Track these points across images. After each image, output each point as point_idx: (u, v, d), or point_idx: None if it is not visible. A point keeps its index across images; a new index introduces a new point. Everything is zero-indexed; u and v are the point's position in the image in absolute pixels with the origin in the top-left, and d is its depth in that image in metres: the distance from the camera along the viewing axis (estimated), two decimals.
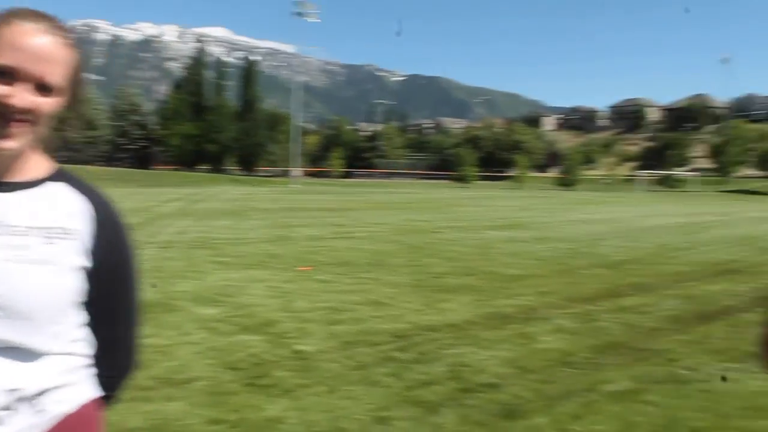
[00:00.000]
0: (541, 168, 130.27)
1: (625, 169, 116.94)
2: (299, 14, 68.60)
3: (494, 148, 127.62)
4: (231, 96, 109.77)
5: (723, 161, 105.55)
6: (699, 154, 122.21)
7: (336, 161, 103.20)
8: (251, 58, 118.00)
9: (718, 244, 15.58)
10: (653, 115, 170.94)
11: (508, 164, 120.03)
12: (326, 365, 5.38)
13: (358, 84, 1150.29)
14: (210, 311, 7.32)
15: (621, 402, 4.67)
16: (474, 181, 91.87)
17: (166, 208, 25.46)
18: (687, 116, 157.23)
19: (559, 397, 4.76)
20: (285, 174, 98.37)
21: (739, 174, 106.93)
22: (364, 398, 4.64)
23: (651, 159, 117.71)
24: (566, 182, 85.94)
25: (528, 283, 9.71)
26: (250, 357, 5.57)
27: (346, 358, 5.59)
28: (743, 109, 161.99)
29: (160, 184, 56.08)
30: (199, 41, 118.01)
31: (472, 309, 7.76)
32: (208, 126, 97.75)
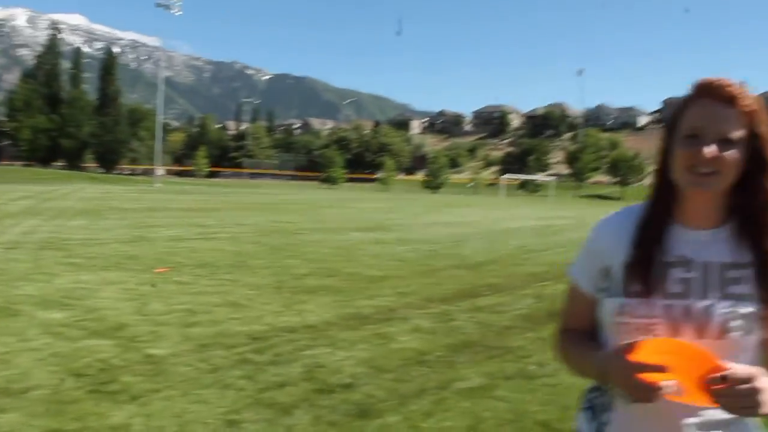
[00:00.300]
0: (409, 171, 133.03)
1: (488, 173, 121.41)
2: (163, 6, 66.22)
3: (362, 150, 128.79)
4: (89, 89, 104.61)
5: (578, 167, 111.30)
6: (557, 160, 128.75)
7: (201, 160, 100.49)
8: (112, 49, 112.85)
9: (570, 246, 16.47)
10: (515, 121, 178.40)
11: (375, 166, 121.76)
12: (179, 369, 5.24)
13: (226, 81, 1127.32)
14: (56, 315, 6.94)
15: (471, 398, 4.83)
16: (342, 183, 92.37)
17: (13, 207, 23.89)
18: (546, 123, 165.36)
19: (412, 395, 4.86)
20: (147, 173, 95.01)
21: (592, 180, 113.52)
22: (215, 402, 4.55)
23: (513, 163, 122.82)
24: (432, 185, 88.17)
25: (389, 284, 9.86)
26: (97, 362, 5.33)
27: (200, 361, 5.46)
28: (596, 118, 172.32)
29: (7, 180, 52.52)
30: (53, 28, 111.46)
31: (331, 310, 7.79)
32: (63, 120, 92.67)
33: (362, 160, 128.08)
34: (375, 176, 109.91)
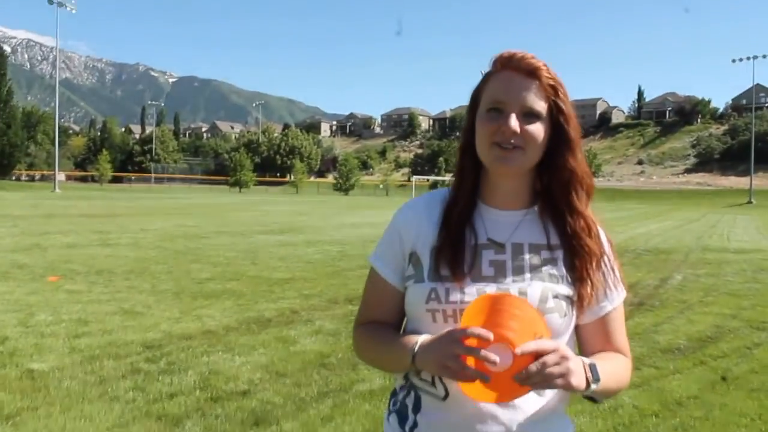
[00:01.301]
0: (319, 173, 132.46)
1: (399, 175, 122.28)
2: (56, 3, 63.43)
3: (272, 153, 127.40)
4: None
5: None
6: None
7: (104, 165, 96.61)
8: (2, 47, 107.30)
9: None
10: (424, 124, 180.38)
11: (286, 169, 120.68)
12: (62, 383, 4.91)
13: (129, 83, 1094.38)
14: None
15: (372, 400, 4.72)
16: (251, 186, 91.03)
17: None
18: (454, 126, 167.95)
19: (311, 400, 4.72)
20: (47, 178, 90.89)
21: None
22: (100, 416, 4.27)
23: (423, 165, 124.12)
24: (343, 187, 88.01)
25: (294, 286, 9.67)
26: None
27: (87, 374, 5.14)
28: None
29: None
30: None
31: (232, 314, 7.54)
32: None
33: (272, 163, 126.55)
34: (285, 179, 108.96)
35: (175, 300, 8.39)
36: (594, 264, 1.40)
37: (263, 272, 10.99)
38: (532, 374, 1.18)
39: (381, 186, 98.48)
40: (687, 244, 18.58)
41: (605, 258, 1.45)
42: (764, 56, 74.88)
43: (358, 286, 9.83)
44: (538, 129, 1.35)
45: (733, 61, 77.45)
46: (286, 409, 4.50)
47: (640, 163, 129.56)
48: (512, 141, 1.33)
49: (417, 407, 1.42)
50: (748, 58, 75.02)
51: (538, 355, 1.19)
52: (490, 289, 1.36)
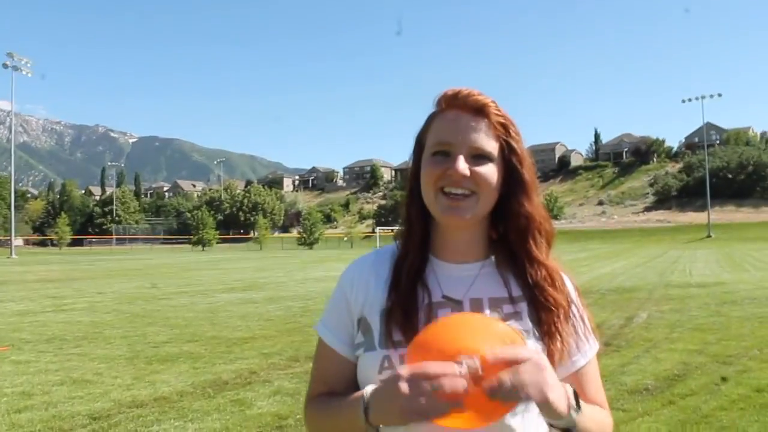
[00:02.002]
0: (283, 228, 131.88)
1: (363, 226, 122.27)
2: (11, 67, 63.03)
3: (235, 210, 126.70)
4: None
5: None
6: None
7: (63, 228, 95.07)
8: None
9: None
10: (386, 175, 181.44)
11: (249, 226, 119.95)
12: None
13: (89, 145, 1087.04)
14: None
15: None
16: (214, 244, 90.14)
17: None
18: None
19: None
20: (3, 243, 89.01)
21: None
22: None
23: (386, 215, 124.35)
24: (307, 241, 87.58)
25: (253, 345, 9.38)
26: None
27: None
28: None
29: None
30: None
31: (187, 378, 7.23)
32: None
33: (235, 220, 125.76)
34: (249, 236, 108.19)
35: (128, 366, 8.04)
36: (562, 316, 1.27)
37: (222, 332, 10.67)
38: (503, 383, 1.02)
39: (345, 238, 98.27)
40: (650, 281, 18.66)
41: (573, 308, 1.32)
42: (712, 96, 77.23)
43: None
44: (490, 171, 1.23)
45: (683, 101, 79.65)
46: None
47: (600, 203, 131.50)
48: (462, 186, 1.22)
49: None
50: (698, 98, 77.36)
51: (512, 365, 1.04)
52: None
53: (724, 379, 6.65)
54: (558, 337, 1.25)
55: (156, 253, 74.62)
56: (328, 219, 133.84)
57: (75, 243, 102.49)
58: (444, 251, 1.32)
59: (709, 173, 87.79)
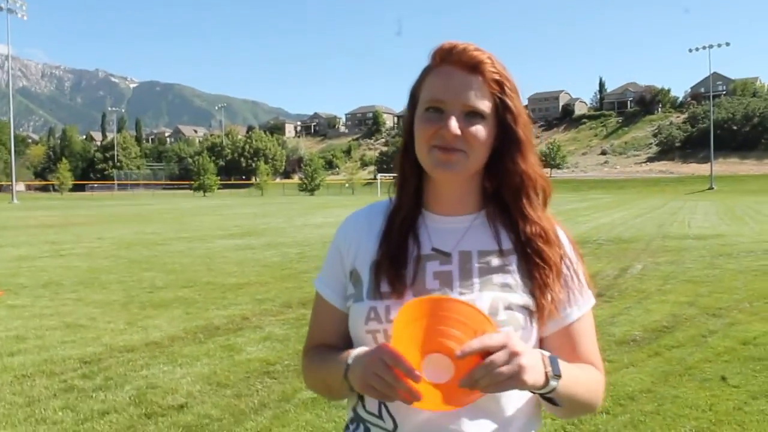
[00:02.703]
0: (285, 174, 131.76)
1: (365, 173, 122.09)
2: (6, 9, 62.03)
3: (236, 156, 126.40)
4: None
5: None
6: None
7: (64, 173, 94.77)
8: None
9: None
10: (389, 121, 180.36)
11: (250, 172, 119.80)
12: None
13: (89, 90, 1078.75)
14: None
15: (314, 409, 4.53)
16: (216, 190, 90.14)
17: None
18: None
19: (250, 411, 4.51)
20: (4, 189, 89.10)
21: None
22: None
23: (388, 162, 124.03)
24: (308, 187, 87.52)
25: (247, 291, 9.44)
26: None
27: (15, 395, 4.88)
28: None
29: None
30: None
31: (179, 323, 7.30)
32: None
33: (237, 166, 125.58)
34: (250, 182, 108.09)
35: (122, 311, 8.11)
36: (553, 271, 1.26)
37: (217, 278, 10.73)
38: (478, 378, 1.04)
39: (347, 185, 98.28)
40: (648, 233, 18.67)
41: (566, 261, 1.30)
42: (719, 45, 76.10)
43: (313, 289, 9.62)
44: (481, 130, 1.22)
45: (690, 50, 78.54)
46: (222, 423, 4.29)
47: (603, 153, 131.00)
48: (453, 145, 1.20)
49: None
50: (705, 48, 76.16)
51: (485, 354, 1.05)
52: None
53: (712, 331, 6.69)
54: (548, 291, 1.24)
55: (157, 198, 74.73)
56: (330, 165, 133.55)
57: (76, 188, 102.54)
58: (436, 204, 1.32)
59: (714, 124, 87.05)
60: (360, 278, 1.30)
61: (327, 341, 1.38)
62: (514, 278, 1.25)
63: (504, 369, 1.04)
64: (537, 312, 1.24)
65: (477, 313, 1.12)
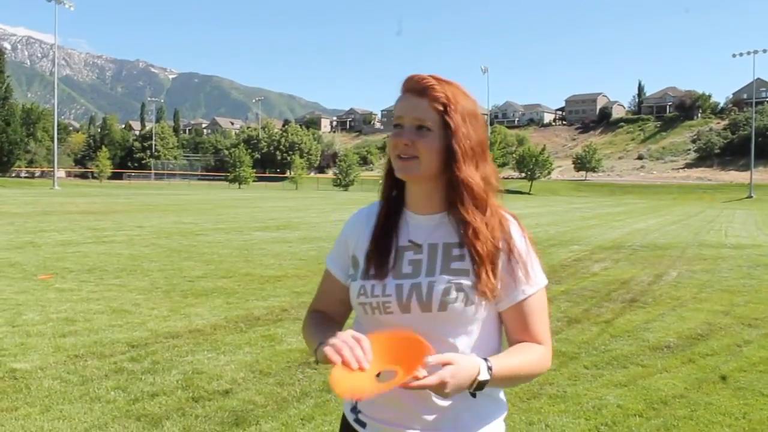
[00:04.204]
0: (319, 169, 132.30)
1: None
2: (54, 0, 63.23)
3: (272, 149, 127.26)
4: None
5: None
6: None
7: (104, 161, 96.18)
8: (1, 45, 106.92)
9: None
10: None
11: (285, 165, 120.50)
12: (44, 383, 4.88)
13: (129, 80, 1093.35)
14: None
15: None
16: (251, 182, 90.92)
17: None
18: None
19: (293, 399, 4.68)
20: (46, 175, 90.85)
21: (502, 175, 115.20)
22: (79, 417, 4.24)
23: None
24: (342, 183, 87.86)
25: (285, 283, 9.64)
26: None
27: (69, 374, 5.11)
28: (503, 115, 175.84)
29: None
30: None
31: (220, 313, 7.51)
32: None
33: (272, 159, 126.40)
34: (285, 175, 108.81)
35: (164, 298, 8.36)
36: (485, 261, 1.54)
37: (255, 269, 10.96)
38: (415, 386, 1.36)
39: (381, 181, 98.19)
40: (684, 240, 18.54)
41: (515, 252, 1.58)
42: (764, 51, 74.71)
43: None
44: (427, 140, 1.53)
45: (734, 55, 77.25)
46: (267, 409, 4.47)
47: (640, 158, 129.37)
48: (407, 152, 1.54)
49: None
50: (749, 53, 74.87)
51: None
52: (407, 284, 1.55)
53: (747, 341, 6.71)
54: (481, 277, 1.53)
55: (193, 189, 75.69)
56: (365, 161, 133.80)
57: (114, 176, 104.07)
58: (412, 204, 1.65)
59: (756, 132, 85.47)
60: (358, 262, 1.66)
61: (327, 307, 1.78)
62: (466, 264, 1.56)
63: (440, 389, 1.37)
64: (479, 290, 1.53)
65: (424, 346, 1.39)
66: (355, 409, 1.65)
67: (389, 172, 1.64)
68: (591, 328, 7.11)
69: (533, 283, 1.60)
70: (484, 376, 1.43)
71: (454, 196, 1.57)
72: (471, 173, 1.56)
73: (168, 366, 5.37)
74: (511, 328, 1.61)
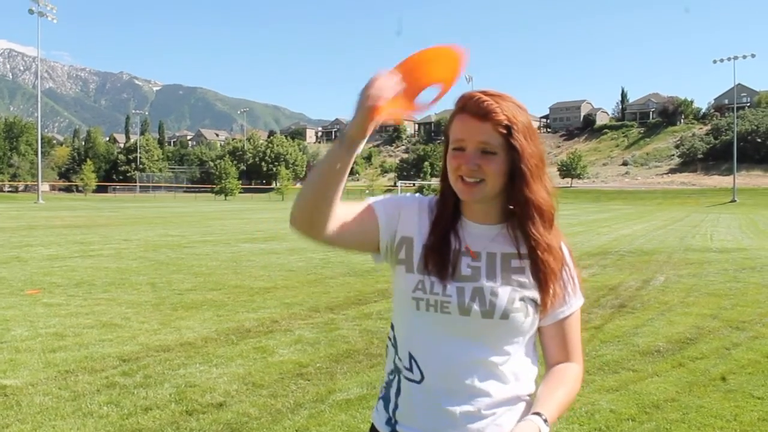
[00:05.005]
0: (305, 179, 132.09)
1: (385, 180, 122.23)
2: (36, 13, 62.96)
3: (257, 161, 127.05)
4: None
5: None
6: None
7: (89, 175, 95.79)
8: None
9: None
10: (410, 128, 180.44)
11: (271, 176, 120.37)
12: (35, 399, 4.85)
13: (113, 92, 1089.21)
14: None
15: (348, 410, 4.69)
16: (236, 194, 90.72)
17: None
18: (439, 130, 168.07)
19: (287, 411, 4.68)
20: (30, 189, 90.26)
21: None
22: None
23: (408, 170, 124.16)
24: None
25: (275, 295, 9.63)
26: None
27: (61, 389, 5.08)
28: None
29: None
30: None
31: (211, 325, 7.49)
32: None
33: (257, 170, 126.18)
34: (271, 186, 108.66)
35: (154, 312, 8.32)
36: (554, 276, 1.59)
37: (245, 281, 10.94)
38: None
39: (367, 191, 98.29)
40: (670, 245, 18.67)
41: (565, 269, 1.63)
42: (744, 57, 75.53)
43: (340, 294, 9.82)
44: (494, 163, 1.53)
45: (715, 61, 78.05)
46: (261, 421, 4.46)
47: (624, 164, 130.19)
48: (473, 175, 1.53)
49: (398, 392, 1.63)
50: (729, 59, 75.69)
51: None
52: (468, 287, 1.57)
53: (735, 344, 6.77)
54: (550, 291, 1.58)
55: (179, 201, 75.40)
56: (350, 171, 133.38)
57: (99, 189, 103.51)
58: (470, 214, 1.64)
59: (738, 136, 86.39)
60: (412, 250, 1.62)
61: (345, 216, 1.59)
62: (527, 277, 1.59)
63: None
64: (541, 306, 1.59)
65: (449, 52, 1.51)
66: (391, 421, 1.62)
67: (448, 186, 1.61)
68: (581, 334, 7.13)
69: (577, 301, 1.67)
70: (545, 430, 1.48)
71: (521, 212, 1.58)
72: (541, 192, 1.58)
73: (160, 380, 5.35)
74: (549, 343, 1.66)
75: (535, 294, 1.58)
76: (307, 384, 5.29)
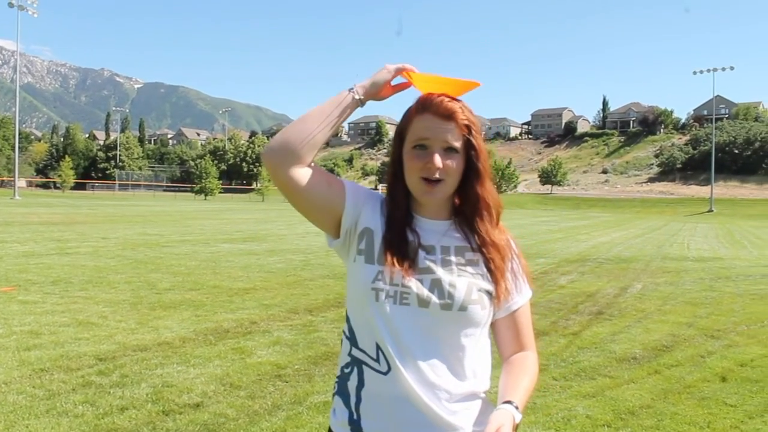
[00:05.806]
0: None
1: (366, 183, 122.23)
2: (16, 6, 62.24)
3: (238, 161, 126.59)
4: None
5: None
6: None
7: (67, 171, 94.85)
8: None
9: None
10: (392, 132, 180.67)
11: (252, 177, 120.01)
12: (9, 398, 4.79)
13: (94, 89, 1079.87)
14: None
15: (326, 412, 4.68)
16: (216, 194, 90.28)
17: None
18: None
19: (264, 412, 4.66)
20: (6, 184, 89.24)
21: None
22: None
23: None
24: None
25: (254, 296, 9.59)
26: None
27: (35, 388, 5.03)
28: None
29: None
30: None
31: (189, 325, 7.44)
32: None
33: (238, 170, 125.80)
34: (251, 187, 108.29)
35: (132, 311, 8.26)
36: (501, 270, 1.66)
37: (224, 282, 10.89)
38: None
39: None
40: (648, 253, 18.84)
41: (513, 262, 1.71)
42: (724, 69, 76.43)
43: (319, 296, 9.80)
44: (455, 162, 1.61)
45: (695, 73, 78.90)
46: (238, 422, 4.44)
47: (604, 172, 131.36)
48: (437, 175, 1.59)
49: (360, 384, 1.62)
50: (709, 71, 76.54)
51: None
52: (427, 279, 1.59)
53: (710, 352, 6.85)
54: (501, 283, 1.65)
55: (158, 200, 74.89)
56: (332, 173, 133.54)
57: (78, 187, 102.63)
58: (421, 211, 1.68)
59: (716, 147, 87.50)
60: (372, 241, 1.65)
61: (319, 175, 1.66)
62: (481, 269, 1.65)
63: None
64: (495, 297, 1.64)
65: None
66: (353, 417, 1.62)
67: (401, 186, 1.67)
68: (559, 340, 7.19)
69: (527, 292, 1.74)
70: (518, 417, 1.53)
71: (470, 208, 1.66)
72: (491, 190, 1.68)
73: (137, 379, 5.31)
74: (504, 335, 1.71)
75: (489, 286, 1.63)
76: (285, 386, 5.28)
